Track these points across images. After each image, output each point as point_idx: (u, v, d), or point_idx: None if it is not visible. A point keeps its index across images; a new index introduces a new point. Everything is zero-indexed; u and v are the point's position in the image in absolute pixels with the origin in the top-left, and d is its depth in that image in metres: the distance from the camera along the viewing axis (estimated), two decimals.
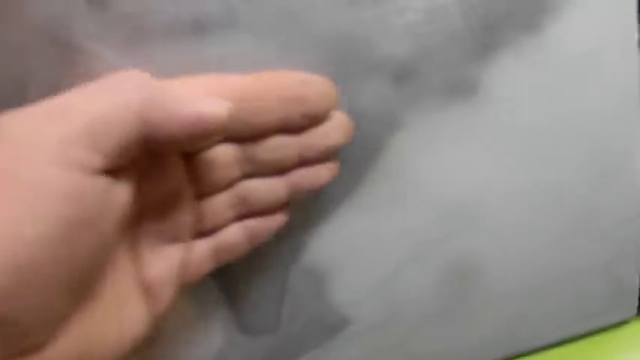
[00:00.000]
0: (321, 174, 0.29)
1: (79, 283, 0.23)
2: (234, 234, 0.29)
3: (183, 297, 0.34)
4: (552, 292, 0.40)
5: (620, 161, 0.35)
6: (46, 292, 0.21)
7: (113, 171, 0.23)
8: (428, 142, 0.33)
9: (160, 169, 0.26)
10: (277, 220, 0.29)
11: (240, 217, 0.29)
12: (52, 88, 0.28)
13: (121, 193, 0.24)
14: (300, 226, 0.33)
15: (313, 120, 0.28)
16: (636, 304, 0.42)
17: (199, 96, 0.25)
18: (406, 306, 0.37)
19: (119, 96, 0.23)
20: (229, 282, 0.34)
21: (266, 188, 0.28)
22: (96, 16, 0.28)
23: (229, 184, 0.28)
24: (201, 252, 0.28)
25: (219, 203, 0.28)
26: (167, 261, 0.27)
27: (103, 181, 0.23)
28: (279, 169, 0.28)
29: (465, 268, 0.37)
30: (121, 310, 0.25)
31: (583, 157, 0.35)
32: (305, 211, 0.33)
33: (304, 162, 0.28)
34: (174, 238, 0.27)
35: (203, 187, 0.27)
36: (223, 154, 0.27)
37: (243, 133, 0.27)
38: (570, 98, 0.33)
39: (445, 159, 0.33)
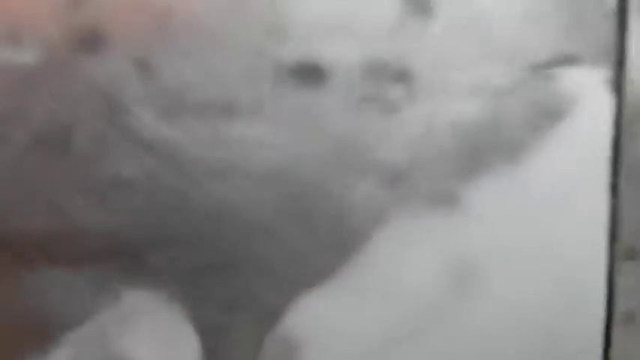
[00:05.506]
0: None
1: None
2: None
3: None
4: None
5: (583, 290, 0.38)
6: None
7: None
8: (409, 242, 0.36)
9: None
10: None
11: None
12: (95, 137, 0.33)
13: None
14: (279, 294, 0.36)
15: None
16: None
17: None
18: None
19: None
20: (209, 341, 0.37)
21: None
22: (143, 83, 0.33)
23: None
24: None
25: None
26: None
27: None
28: None
29: None
30: None
31: (548, 280, 0.37)
32: (283, 279, 0.36)
33: None
34: None
35: None
36: None
37: None
38: (541, 225, 0.37)
39: (422, 261, 0.37)
